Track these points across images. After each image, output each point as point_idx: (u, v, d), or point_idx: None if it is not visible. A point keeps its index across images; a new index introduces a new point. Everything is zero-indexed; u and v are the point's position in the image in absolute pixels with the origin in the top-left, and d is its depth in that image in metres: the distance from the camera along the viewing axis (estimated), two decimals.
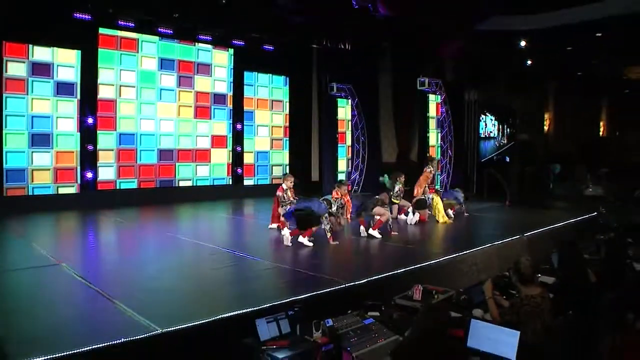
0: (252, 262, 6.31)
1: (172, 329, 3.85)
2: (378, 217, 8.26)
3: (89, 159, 11.72)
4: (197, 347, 3.84)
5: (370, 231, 8.16)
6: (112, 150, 12.12)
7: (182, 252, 7.11)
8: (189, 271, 6.11)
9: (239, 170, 14.56)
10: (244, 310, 4.15)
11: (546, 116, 19.87)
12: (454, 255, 6.80)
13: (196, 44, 13.41)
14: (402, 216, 10.13)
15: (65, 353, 3.37)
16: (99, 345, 3.50)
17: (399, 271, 5.84)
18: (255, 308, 4.18)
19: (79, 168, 11.60)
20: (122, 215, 10.47)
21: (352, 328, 3.67)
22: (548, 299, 4.33)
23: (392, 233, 8.39)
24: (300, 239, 7.35)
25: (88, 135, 11.67)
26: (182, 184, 13.37)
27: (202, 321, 3.97)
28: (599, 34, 13.45)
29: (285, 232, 7.39)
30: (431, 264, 6.31)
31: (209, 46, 13.71)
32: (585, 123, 19.24)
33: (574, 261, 5.21)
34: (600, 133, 20.63)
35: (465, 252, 6.98)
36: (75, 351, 3.41)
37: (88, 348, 3.46)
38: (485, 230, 9.41)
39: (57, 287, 5.26)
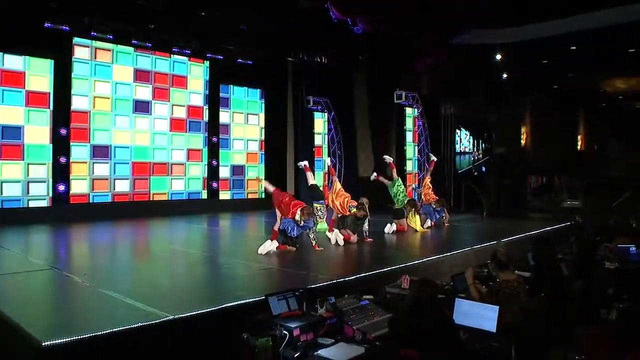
0: (245, 265, 6.87)
1: (187, 314, 4.34)
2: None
3: (61, 171, 11.87)
4: (210, 332, 4.32)
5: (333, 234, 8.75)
6: (86, 162, 12.32)
7: (177, 257, 7.71)
8: (185, 271, 6.66)
9: (215, 185, 14.86)
10: (252, 299, 4.71)
11: (523, 129, 20.74)
12: (435, 257, 7.36)
13: (172, 55, 13.83)
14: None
15: (87, 335, 3.78)
16: (116, 329, 3.91)
17: (385, 269, 6.40)
18: (257, 298, 4.68)
19: (50, 181, 11.73)
20: (98, 228, 10.71)
21: (351, 307, 4.21)
22: (523, 284, 4.89)
23: (367, 239, 8.97)
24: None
25: (61, 146, 11.85)
26: (156, 197, 13.59)
27: (215, 307, 4.54)
28: (574, 47, 14.06)
29: (272, 244, 7.70)
30: (415, 263, 6.87)
31: (185, 58, 14.14)
32: (563, 136, 19.69)
33: (547, 255, 5.82)
34: (578, 147, 21.28)
35: (445, 254, 7.58)
36: (97, 333, 3.82)
37: (108, 331, 3.87)
38: (464, 237, 10.17)
39: (56, 287, 5.69)
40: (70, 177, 12.06)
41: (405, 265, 6.72)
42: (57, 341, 3.64)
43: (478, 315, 4.09)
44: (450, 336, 3.51)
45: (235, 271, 6.63)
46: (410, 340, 3.27)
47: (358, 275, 6.01)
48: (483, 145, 18.76)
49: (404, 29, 12.52)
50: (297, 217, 7.67)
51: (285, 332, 3.58)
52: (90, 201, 12.38)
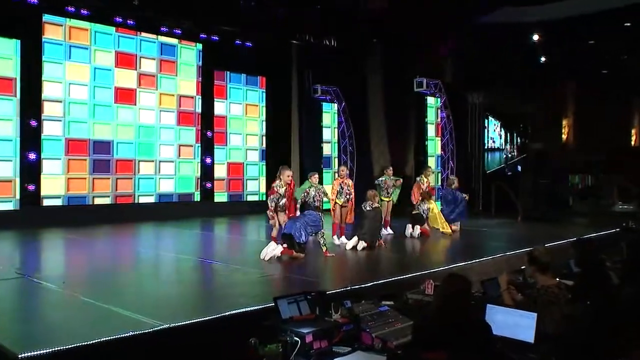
0: (244, 271, 7.05)
1: (183, 323, 4.48)
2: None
3: (30, 169, 11.94)
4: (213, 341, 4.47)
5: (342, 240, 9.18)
6: (60, 159, 12.43)
7: (166, 263, 7.92)
8: (175, 278, 6.86)
9: (209, 185, 14.95)
10: (257, 307, 4.85)
11: (564, 122, 20.58)
12: (462, 263, 7.46)
13: (159, 37, 13.94)
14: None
15: (70, 346, 3.87)
16: (103, 339, 4.00)
17: (406, 275, 6.54)
18: (262, 306, 4.85)
19: (18, 180, 11.83)
20: (75, 233, 10.83)
21: (369, 313, 4.26)
22: (565, 290, 4.91)
23: (380, 242, 9.25)
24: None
25: (30, 141, 11.94)
26: (142, 200, 13.70)
27: (215, 316, 4.68)
28: (628, 24, 13.67)
29: (277, 248, 7.87)
30: (440, 270, 6.99)
31: (175, 40, 14.25)
32: (613, 130, 19.19)
33: (592, 260, 5.83)
34: (632, 142, 20.87)
35: (473, 260, 7.72)
36: (81, 344, 3.91)
37: (95, 341, 3.95)
38: (495, 243, 10.29)
39: (32, 296, 5.78)
40: (41, 176, 12.11)
41: (429, 272, 6.85)
42: (35, 353, 3.71)
43: (514, 323, 4.11)
44: (485, 342, 3.52)
45: (234, 278, 6.75)
46: (437, 345, 3.29)
47: (376, 282, 6.11)
48: (518, 141, 18.69)
49: (423, 3, 12.54)
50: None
51: (297, 339, 3.64)
52: (65, 204, 12.46)
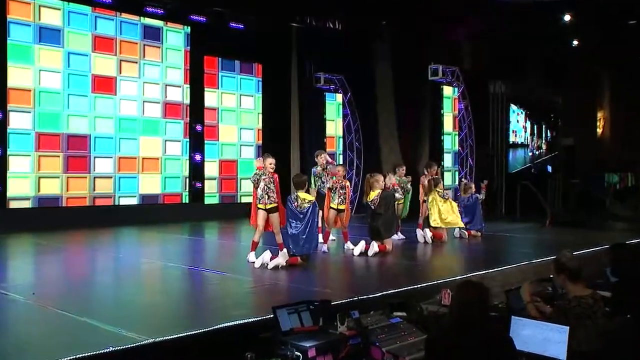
0: (238, 280, 7.12)
1: (170, 337, 4.44)
2: None
3: None
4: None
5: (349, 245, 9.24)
6: (29, 155, 12.40)
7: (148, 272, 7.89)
8: (161, 287, 6.85)
9: (198, 185, 14.94)
10: (254, 319, 4.83)
11: (599, 114, 20.51)
12: (483, 271, 7.51)
13: (142, 18, 13.90)
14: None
15: None
16: (82, 355, 3.97)
17: (420, 285, 6.54)
18: (259, 318, 4.80)
19: None
20: (46, 238, 10.82)
21: (379, 325, 4.29)
22: (601, 301, 4.85)
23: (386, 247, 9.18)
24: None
25: None
26: (123, 201, 13.69)
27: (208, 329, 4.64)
28: None
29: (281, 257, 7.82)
30: (458, 279, 6.89)
31: (160, 22, 14.22)
32: None
33: (632, 267, 5.78)
34: None
35: (496, 269, 7.74)
36: None
37: (71, 357, 3.92)
38: (521, 250, 10.31)
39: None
40: (7, 175, 12.02)
41: (445, 280, 6.85)
42: None
43: (542, 338, 4.07)
44: (506, 358, 3.50)
45: (227, 287, 6.79)
46: None
47: (387, 292, 6.10)
48: (548, 135, 18.58)
49: None
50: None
51: (298, 353, 3.66)
52: (35, 206, 12.39)
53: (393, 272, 8.22)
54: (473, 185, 12.04)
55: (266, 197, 7.88)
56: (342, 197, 9.49)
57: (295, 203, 7.91)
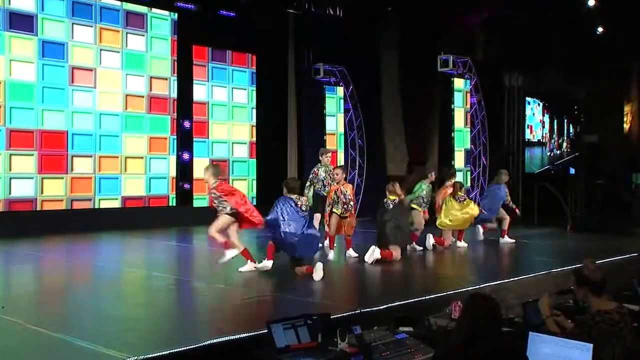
0: (229, 291, 7.16)
1: (154, 355, 4.42)
2: None
3: None
4: None
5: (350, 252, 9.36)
6: None
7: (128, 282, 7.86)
8: (145, 300, 6.82)
9: (187, 186, 14.88)
10: (246, 334, 4.83)
11: (626, 108, 20.43)
12: (498, 281, 7.53)
13: (124, 3, 13.80)
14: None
15: None
16: None
17: (428, 296, 6.53)
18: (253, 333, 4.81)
19: None
20: (19, 245, 10.74)
21: (383, 342, 4.27)
22: (628, 315, 4.81)
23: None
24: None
25: None
26: (104, 204, 13.59)
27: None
28: None
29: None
30: (470, 289, 6.96)
31: (144, 8, 14.11)
32: None
33: None
34: None
35: (512, 279, 7.78)
36: None
37: None
38: (539, 258, 10.40)
39: None
40: None
41: (456, 291, 6.85)
42: None
43: (563, 356, 4.03)
44: None
45: (218, 300, 6.81)
46: None
47: (392, 304, 6.11)
48: (570, 132, 18.48)
49: None
50: None
51: None
52: (6, 209, 12.27)
53: (399, 282, 8.25)
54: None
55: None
56: (345, 205, 9.25)
57: (299, 202, 8.02)
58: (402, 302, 6.26)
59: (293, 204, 7.96)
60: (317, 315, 4.46)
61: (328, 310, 5.54)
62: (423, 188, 10.86)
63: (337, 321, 5.02)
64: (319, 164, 10.59)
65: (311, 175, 10.44)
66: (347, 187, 9.48)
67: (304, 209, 8.05)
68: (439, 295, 6.72)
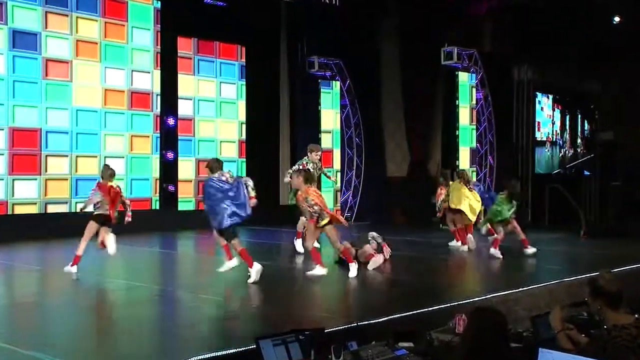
0: (218, 302, 7.12)
1: None
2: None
3: None
4: None
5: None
6: None
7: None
8: (126, 312, 6.76)
9: (171, 188, 14.83)
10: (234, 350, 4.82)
11: None
12: (506, 292, 7.46)
13: None
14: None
15: None
16: None
17: (429, 308, 6.47)
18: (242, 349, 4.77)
19: None
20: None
21: (382, 359, 4.20)
22: None
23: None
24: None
25: None
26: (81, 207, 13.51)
27: None
28: None
29: None
30: (475, 300, 6.95)
31: None
32: None
33: None
34: None
35: (520, 289, 7.70)
36: None
37: None
38: (550, 266, 10.27)
39: None
40: None
41: (460, 303, 6.81)
42: None
43: None
44: None
45: (204, 312, 6.72)
46: None
47: (391, 316, 6.06)
48: (585, 130, 18.40)
49: None
50: None
51: None
52: None
53: (398, 292, 8.19)
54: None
55: None
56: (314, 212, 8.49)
57: (223, 177, 8.30)
58: (402, 315, 6.22)
59: (216, 183, 8.19)
60: (309, 330, 4.43)
61: (322, 324, 5.52)
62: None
63: (332, 336, 4.99)
64: (307, 159, 10.50)
65: (296, 167, 10.24)
66: (309, 191, 8.70)
67: (230, 181, 8.29)
68: (441, 307, 6.65)
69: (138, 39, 14.36)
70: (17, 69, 12.77)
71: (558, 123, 17.93)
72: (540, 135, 17.31)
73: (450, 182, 11.75)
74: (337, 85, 17.02)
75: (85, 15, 13.61)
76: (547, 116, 17.56)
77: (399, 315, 6.22)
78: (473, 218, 11.23)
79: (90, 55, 13.67)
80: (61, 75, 13.31)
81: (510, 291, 7.51)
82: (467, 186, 11.28)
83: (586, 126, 18.69)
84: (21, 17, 12.81)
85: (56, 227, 12.77)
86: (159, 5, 14.58)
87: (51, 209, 13.17)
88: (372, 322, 5.89)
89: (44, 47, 13.07)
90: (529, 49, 16.01)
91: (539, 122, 17.12)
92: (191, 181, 15.32)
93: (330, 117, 17.07)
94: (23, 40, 12.83)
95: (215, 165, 8.52)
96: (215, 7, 15.06)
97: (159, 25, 14.64)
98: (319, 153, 10.91)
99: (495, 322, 3.70)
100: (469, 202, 11.18)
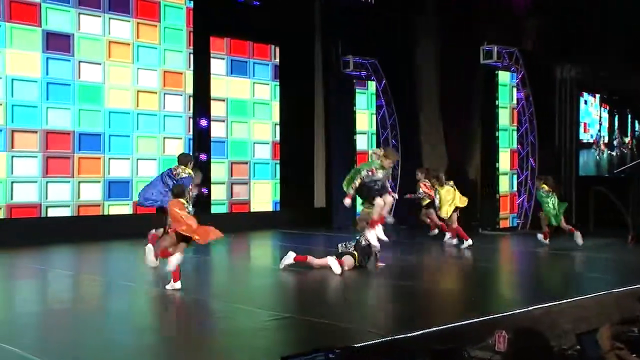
0: (250, 312, 6.97)
1: None
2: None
3: None
4: None
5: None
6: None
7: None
8: (151, 323, 6.65)
9: (204, 191, 14.73)
10: None
11: None
12: (548, 304, 7.07)
13: None
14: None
15: None
16: None
17: (465, 321, 6.16)
18: None
19: None
20: (19, 256, 10.72)
21: None
22: None
23: (378, 264, 9.48)
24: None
25: None
26: (113, 210, 13.59)
27: None
28: None
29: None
30: (515, 313, 6.61)
31: None
32: None
33: None
34: None
35: (565, 300, 7.36)
36: None
37: None
38: (597, 274, 9.88)
39: None
40: None
41: (498, 316, 6.54)
42: None
43: None
44: None
45: (235, 322, 6.57)
46: None
47: (428, 330, 5.84)
48: (637, 131, 17.84)
49: None
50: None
51: None
52: (6, 216, 12.35)
53: (431, 302, 7.89)
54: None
55: None
56: None
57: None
58: (437, 329, 5.95)
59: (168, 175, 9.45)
60: (339, 349, 4.21)
61: (350, 336, 5.37)
62: None
63: (362, 352, 4.77)
64: (377, 163, 9.75)
65: (365, 172, 9.60)
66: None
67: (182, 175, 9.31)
68: (478, 320, 6.31)
69: (170, 40, 14.41)
70: (50, 71, 12.85)
71: (606, 124, 17.42)
72: (587, 136, 16.87)
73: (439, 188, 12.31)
74: (372, 85, 16.89)
75: (118, 17, 13.66)
76: (594, 116, 17.11)
77: (433, 329, 5.96)
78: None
79: (122, 56, 13.73)
80: (94, 77, 13.38)
81: (553, 303, 7.16)
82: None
83: (637, 126, 18.12)
84: (53, 19, 12.88)
85: (88, 230, 12.96)
86: (191, 5, 14.59)
87: (83, 211, 13.23)
88: (404, 336, 5.64)
89: (77, 49, 13.12)
90: (573, 46, 15.63)
91: (585, 123, 16.69)
92: (224, 183, 15.32)
93: (365, 118, 16.88)
94: (56, 42, 12.90)
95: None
96: (249, 6, 15.09)
97: (192, 26, 14.66)
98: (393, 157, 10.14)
99: (538, 344, 3.47)
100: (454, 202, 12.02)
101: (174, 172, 9.43)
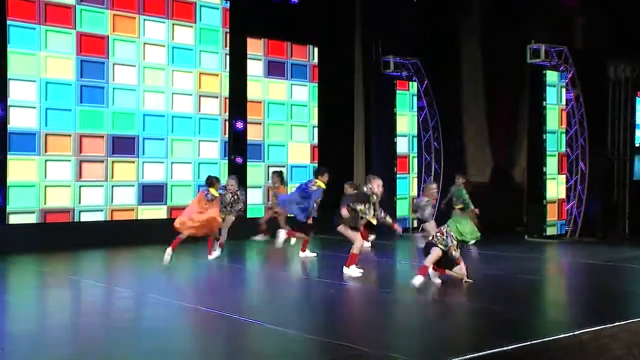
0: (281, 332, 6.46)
1: None
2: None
3: None
4: None
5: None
6: (34, 160, 12.32)
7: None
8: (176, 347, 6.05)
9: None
10: None
11: None
12: (598, 327, 6.55)
13: None
14: None
15: None
16: None
17: (500, 349, 5.67)
18: None
19: None
20: (49, 263, 10.65)
21: None
22: None
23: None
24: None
25: None
26: (147, 215, 13.58)
27: None
28: None
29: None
30: (561, 338, 6.16)
31: None
32: None
33: None
34: None
35: (617, 323, 6.79)
36: None
37: None
38: None
39: None
40: (8, 184, 12.07)
41: (543, 340, 6.05)
42: None
43: None
44: None
45: (265, 345, 6.08)
46: None
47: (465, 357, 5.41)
48: None
49: None
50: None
51: None
52: (40, 221, 12.36)
53: (469, 325, 7.32)
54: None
55: None
56: None
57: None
58: (477, 355, 5.48)
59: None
60: None
61: None
62: None
63: None
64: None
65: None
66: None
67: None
68: (517, 346, 5.78)
69: (206, 41, 14.35)
70: (83, 73, 12.87)
71: None
72: None
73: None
74: (413, 86, 16.72)
75: (153, 18, 13.61)
76: None
77: (470, 355, 5.48)
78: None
79: (156, 58, 13.73)
80: (128, 79, 13.38)
81: (604, 326, 6.60)
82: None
83: None
84: (88, 20, 12.90)
85: (122, 235, 12.99)
86: (227, 5, 14.53)
87: (117, 215, 13.22)
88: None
89: (111, 51, 13.13)
90: (627, 43, 15.09)
91: None
92: (261, 187, 15.19)
93: (406, 120, 16.68)
94: (89, 44, 12.91)
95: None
96: (286, 5, 14.96)
97: (228, 27, 14.60)
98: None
99: None
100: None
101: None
